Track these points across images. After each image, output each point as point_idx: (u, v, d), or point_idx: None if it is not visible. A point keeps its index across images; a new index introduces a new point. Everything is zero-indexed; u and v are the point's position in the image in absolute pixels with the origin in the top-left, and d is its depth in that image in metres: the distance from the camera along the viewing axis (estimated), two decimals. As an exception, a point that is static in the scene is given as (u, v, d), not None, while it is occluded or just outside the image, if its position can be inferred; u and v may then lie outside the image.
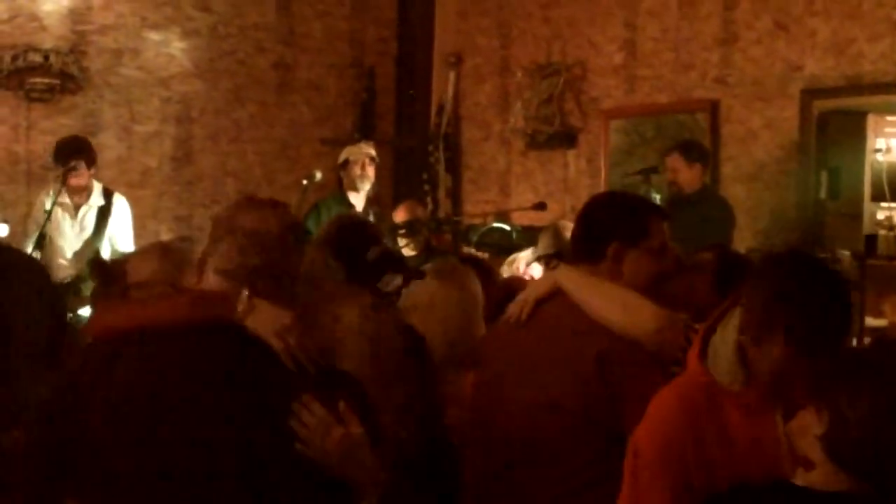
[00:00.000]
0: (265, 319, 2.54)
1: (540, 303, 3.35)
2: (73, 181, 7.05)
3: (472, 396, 3.60)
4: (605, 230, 3.29)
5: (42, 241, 6.61)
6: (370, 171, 7.66)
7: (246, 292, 2.57)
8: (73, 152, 7.06)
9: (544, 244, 5.60)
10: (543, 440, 3.21)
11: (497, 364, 3.44)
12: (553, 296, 3.33)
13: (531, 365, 3.30)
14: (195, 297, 2.57)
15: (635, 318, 3.11)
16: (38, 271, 4.63)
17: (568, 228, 5.61)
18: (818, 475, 2.18)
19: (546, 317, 3.36)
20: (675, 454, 2.60)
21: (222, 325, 2.48)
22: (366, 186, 7.64)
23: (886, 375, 2.19)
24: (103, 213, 7.23)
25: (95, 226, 7.18)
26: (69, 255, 7.08)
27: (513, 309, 3.42)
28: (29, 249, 6.73)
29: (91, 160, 7.15)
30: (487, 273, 4.79)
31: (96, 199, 7.24)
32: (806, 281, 2.57)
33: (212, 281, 2.61)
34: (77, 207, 7.18)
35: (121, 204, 7.37)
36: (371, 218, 7.24)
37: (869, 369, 2.20)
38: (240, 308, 2.56)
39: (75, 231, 7.16)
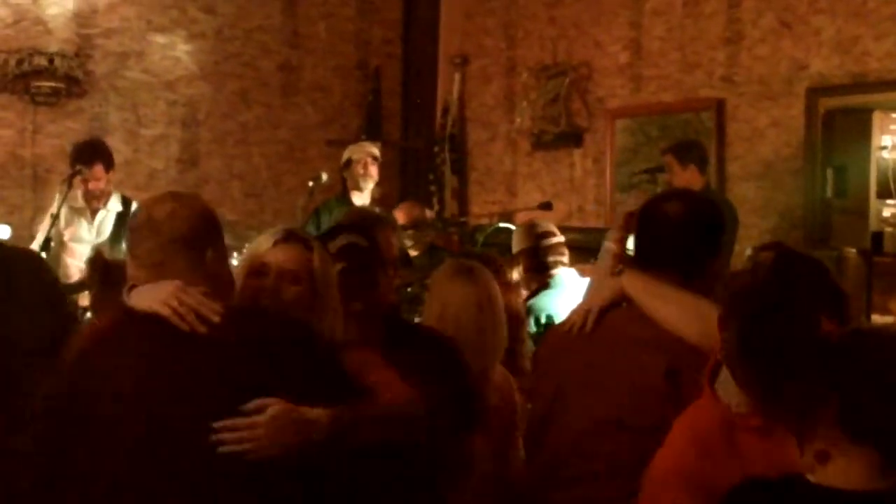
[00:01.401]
0: (145, 294, 2.63)
1: (604, 311, 3.22)
2: (92, 184, 7.06)
3: (530, 408, 3.55)
4: (715, 246, 3.19)
5: (48, 245, 6.60)
6: (373, 170, 7.60)
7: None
8: (90, 155, 7.07)
9: (518, 242, 5.61)
10: (605, 456, 3.09)
11: (557, 375, 3.31)
12: (617, 303, 3.21)
13: (595, 378, 3.17)
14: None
15: (711, 328, 2.83)
16: (41, 269, 4.63)
17: (540, 226, 5.67)
18: (834, 470, 2.16)
19: (610, 326, 3.22)
20: (691, 479, 2.54)
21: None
22: (369, 186, 7.58)
23: (882, 348, 2.17)
24: (121, 220, 7.21)
25: (113, 232, 7.16)
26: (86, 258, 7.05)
27: (575, 318, 3.28)
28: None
29: (108, 163, 7.15)
30: (497, 272, 4.80)
31: (114, 205, 7.22)
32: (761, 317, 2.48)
33: (132, 272, 2.72)
34: (94, 212, 7.17)
35: None
36: None
37: (861, 350, 2.18)
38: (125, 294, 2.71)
39: (92, 236, 7.13)
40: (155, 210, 2.69)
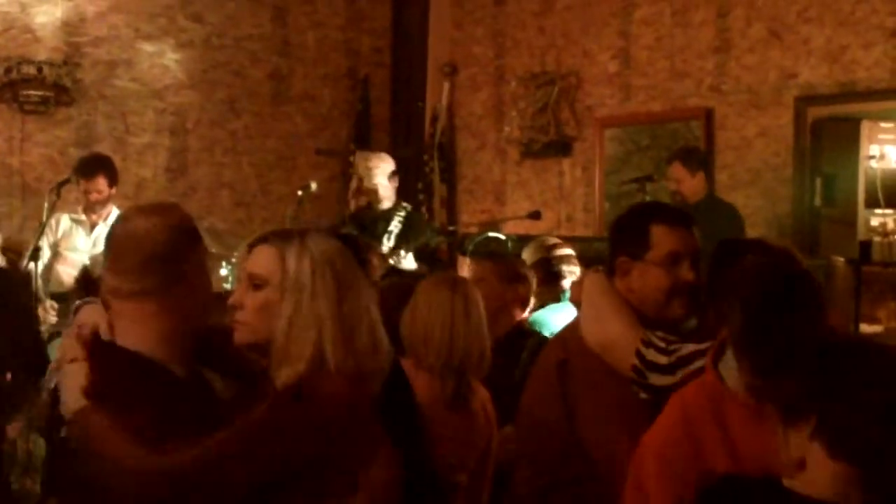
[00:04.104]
0: (80, 316, 2.69)
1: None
2: (93, 196, 7.13)
3: None
4: (612, 244, 3.24)
5: (37, 253, 6.65)
6: (366, 185, 7.49)
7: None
8: (93, 167, 7.15)
9: (529, 256, 5.64)
10: (521, 441, 3.36)
11: None
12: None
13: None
14: None
15: (592, 331, 3.10)
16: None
17: (550, 239, 5.70)
18: (808, 478, 2.16)
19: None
20: (673, 462, 2.56)
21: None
22: (385, 205, 7.40)
23: (862, 365, 2.17)
24: None
25: None
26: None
27: None
28: (24, 260, 6.81)
29: (112, 177, 7.22)
30: (515, 273, 4.85)
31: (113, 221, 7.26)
32: (773, 302, 2.50)
33: (108, 282, 2.69)
34: (93, 226, 7.22)
35: None
36: (393, 226, 7.18)
37: (842, 366, 2.18)
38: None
39: (87, 246, 7.19)
40: (134, 224, 2.66)
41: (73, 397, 2.47)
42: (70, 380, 2.49)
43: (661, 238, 3.12)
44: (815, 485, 2.14)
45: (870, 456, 2.10)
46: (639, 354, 2.93)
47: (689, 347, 2.88)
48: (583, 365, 3.09)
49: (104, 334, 2.59)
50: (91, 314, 2.68)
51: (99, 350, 2.56)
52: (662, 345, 2.91)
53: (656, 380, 2.90)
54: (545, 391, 3.21)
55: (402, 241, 7.04)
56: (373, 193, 7.44)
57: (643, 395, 2.94)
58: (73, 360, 2.52)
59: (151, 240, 2.61)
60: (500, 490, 4.04)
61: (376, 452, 2.58)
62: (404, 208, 7.39)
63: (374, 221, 7.26)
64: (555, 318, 5.26)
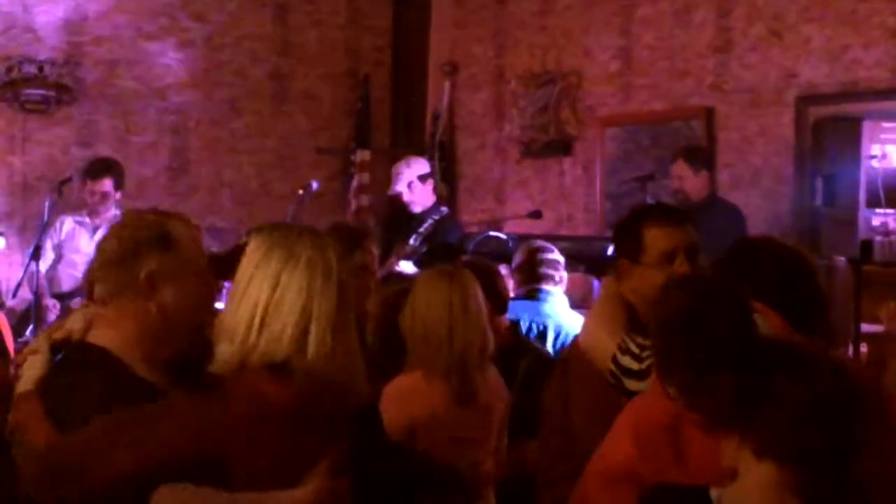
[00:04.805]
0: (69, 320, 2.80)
1: None
2: (97, 197, 7.15)
3: None
4: (613, 249, 3.35)
5: (38, 252, 6.67)
6: (390, 191, 7.60)
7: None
8: (100, 169, 7.20)
9: (516, 259, 5.68)
10: (541, 435, 3.47)
11: None
12: None
13: None
14: None
15: (582, 334, 3.29)
16: None
17: (538, 242, 5.74)
18: (737, 486, 2.16)
19: None
20: (627, 483, 2.58)
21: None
22: (416, 209, 7.48)
23: (787, 365, 2.17)
24: None
25: None
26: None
27: None
28: (25, 259, 6.83)
29: (119, 181, 7.26)
30: (490, 276, 4.82)
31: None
32: (692, 311, 2.54)
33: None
34: (96, 229, 7.25)
35: None
36: (423, 229, 7.23)
37: (767, 365, 2.18)
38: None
39: (90, 249, 7.22)
40: (109, 229, 2.82)
41: (21, 384, 2.62)
42: (26, 370, 2.65)
43: (654, 239, 3.22)
44: (744, 492, 2.13)
45: (798, 454, 2.09)
46: (615, 360, 3.04)
47: None
48: (578, 364, 3.24)
49: (77, 333, 2.71)
50: (78, 314, 2.80)
51: (65, 346, 2.70)
52: (637, 351, 3.01)
53: (630, 385, 3.01)
54: (554, 389, 3.37)
55: (427, 242, 7.07)
56: (398, 199, 7.53)
57: (624, 398, 3.03)
58: (34, 352, 2.69)
59: (106, 246, 2.75)
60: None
61: (306, 461, 2.53)
62: (440, 213, 7.39)
63: (407, 222, 7.33)
64: (520, 305, 5.31)
